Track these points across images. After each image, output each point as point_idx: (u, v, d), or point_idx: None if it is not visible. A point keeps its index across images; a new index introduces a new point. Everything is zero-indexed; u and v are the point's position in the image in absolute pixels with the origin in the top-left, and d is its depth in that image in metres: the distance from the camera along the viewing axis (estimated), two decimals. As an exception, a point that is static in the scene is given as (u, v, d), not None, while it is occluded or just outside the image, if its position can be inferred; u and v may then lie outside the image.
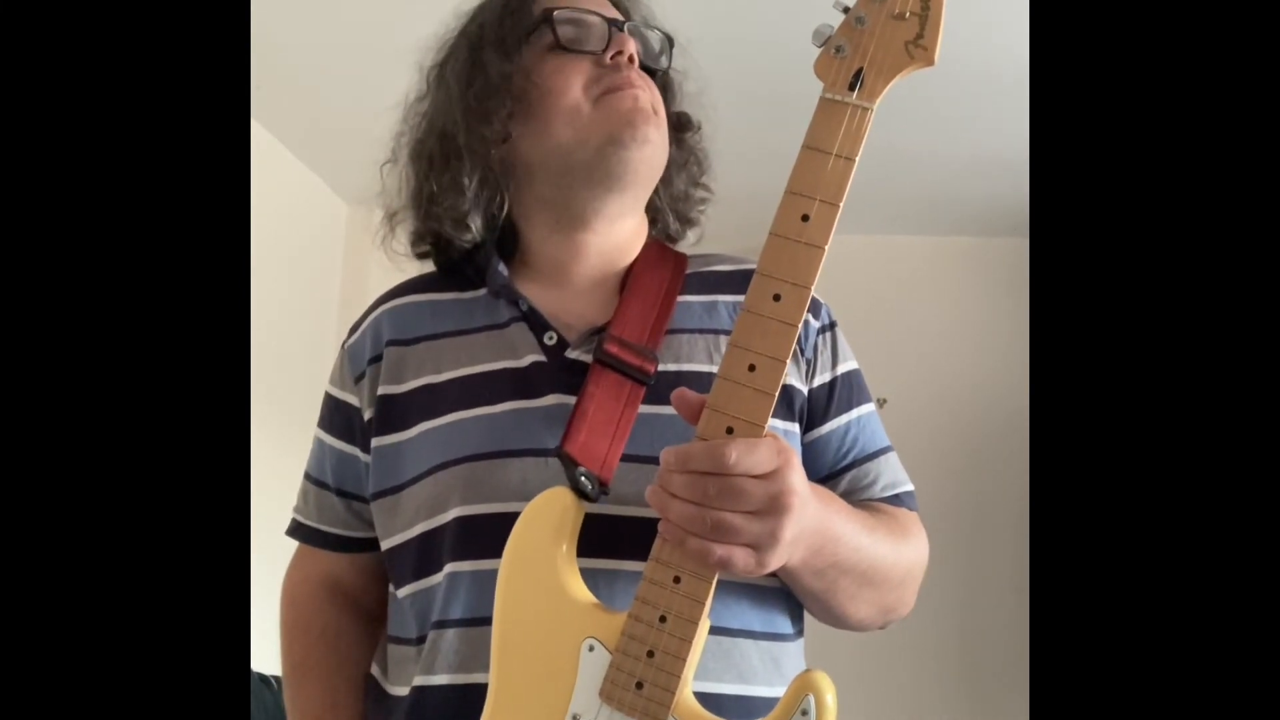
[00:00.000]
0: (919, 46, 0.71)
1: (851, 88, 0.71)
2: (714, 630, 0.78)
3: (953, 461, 3.48)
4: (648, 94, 0.90)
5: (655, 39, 0.94)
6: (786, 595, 0.88)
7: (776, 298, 0.71)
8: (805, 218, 0.71)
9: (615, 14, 0.93)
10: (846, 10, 0.73)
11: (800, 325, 0.71)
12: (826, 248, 0.70)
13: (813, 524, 0.74)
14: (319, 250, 3.45)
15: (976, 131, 2.80)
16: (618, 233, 0.95)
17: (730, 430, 0.70)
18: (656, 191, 0.97)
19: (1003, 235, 3.44)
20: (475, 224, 0.95)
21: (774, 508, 0.69)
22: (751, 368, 0.71)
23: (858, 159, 0.71)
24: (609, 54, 0.89)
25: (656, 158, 0.92)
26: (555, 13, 0.91)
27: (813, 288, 0.71)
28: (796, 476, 0.70)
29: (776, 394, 0.71)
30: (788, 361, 0.71)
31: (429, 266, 1.03)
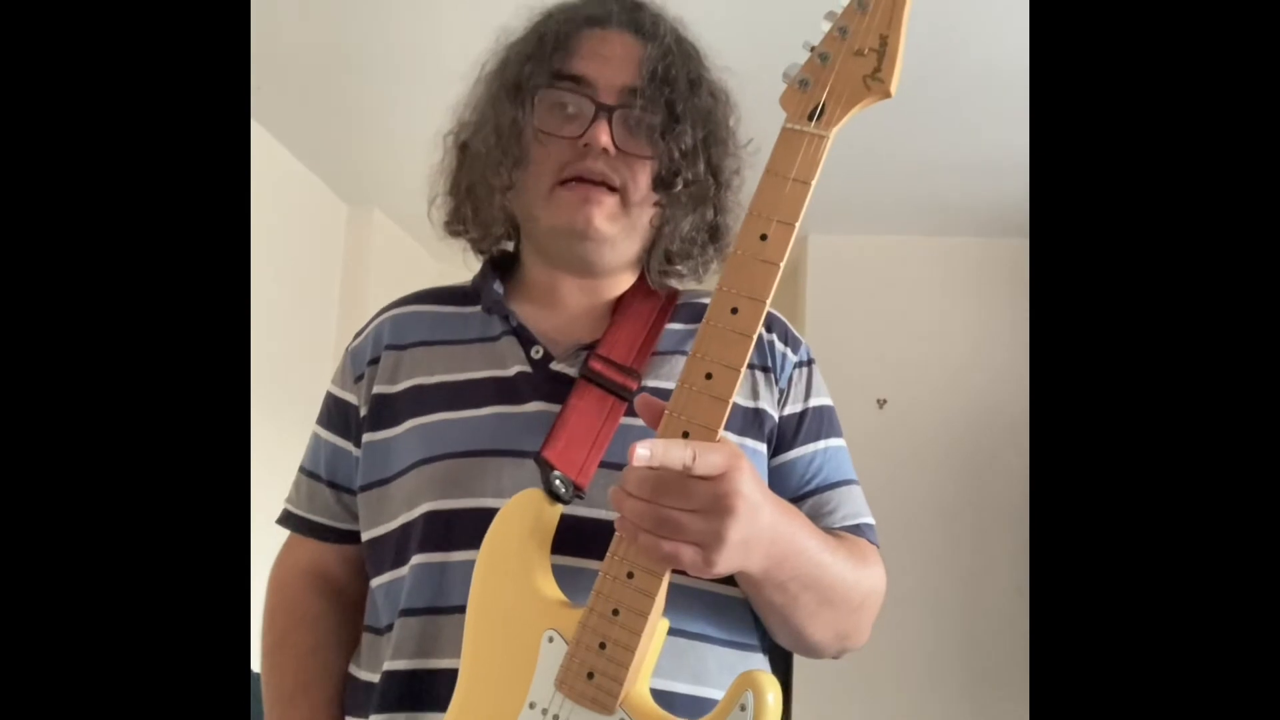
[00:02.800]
0: (876, 80, 0.76)
1: (811, 118, 0.76)
2: (674, 632, 0.81)
3: (953, 461, 3.49)
4: (602, 191, 0.93)
5: (657, 110, 0.93)
6: (751, 607, 0.91)
7: (734, 310, 0.75)
8: (763, 237, 0.75)
9: (618, 85, 0.94)
10: (812, 48, 0.78)
11: (755, 336, 0.74)
12: (782, 264, 0.74)
13: (767, 531, 0.76)
14: (319, 250, 3.45)
15: (977, 132, 2.80)
16: (602, 279, 1.01)
17: (686, 434, 0.73)
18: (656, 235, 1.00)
19: (1003, 235, 3.45)
20: (497, 231, 1.02)
21: (718, 508, 0.71)
22: (708, 375, 0.74)
23: (814, 183, 0.75)
24: (582, 140, 0.92)
25: (606, 250, 0.96)
26: (541, 93, 0.94)
27: (769, 301, 0.75)
28: (745, 481, 0.72)
29: (731, 400, 0.74)
30: (743, 370, 0.74)
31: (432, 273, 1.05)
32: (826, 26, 0.78)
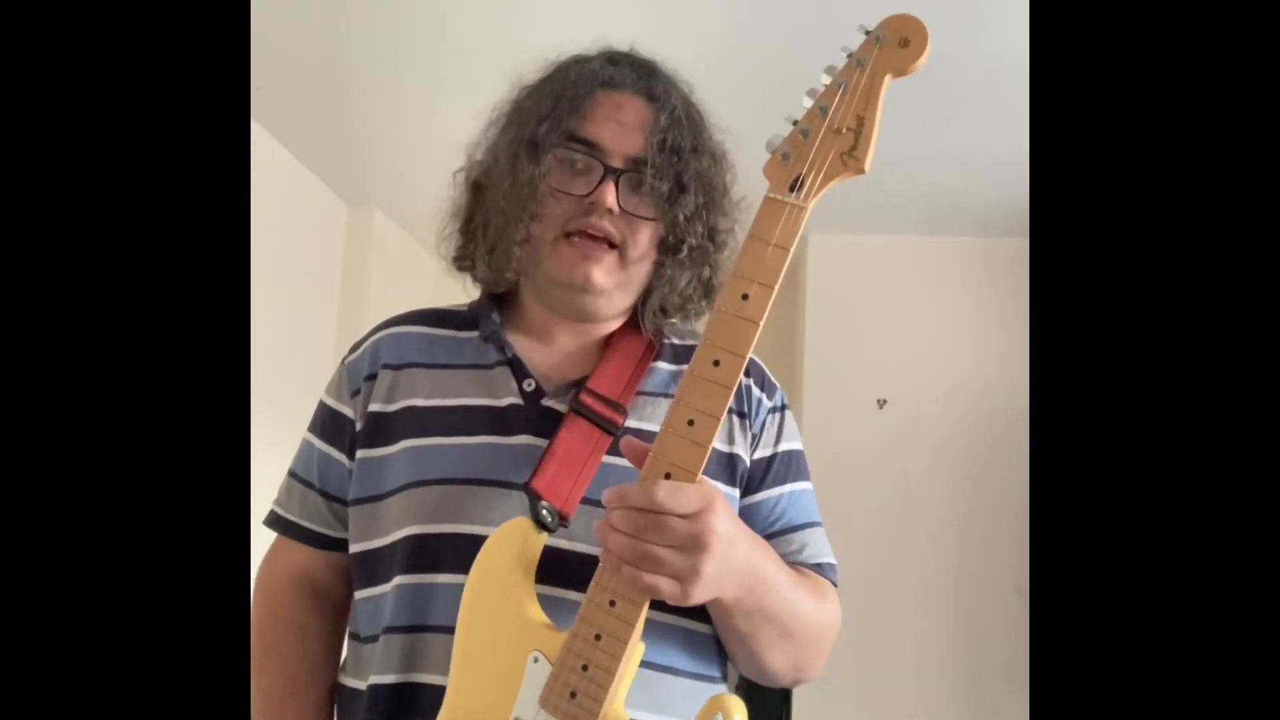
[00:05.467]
0: (852, 157, 0.81)
1: (792, 189, 0.82)
2: (643, 664, 0.86)
3: (953, 461, 3.49)
4: (603, 248, 0.98)
5: (663, 179, 0.98)
6: (718, 641, 0.96)
7: (716, 363, 0.80)
8: (745, 296, 0.81)
9: (626, 151, 0.98)
10: (795, 123, 0.84)
11: (735, 387, 0.80)
12: (761, 323, 0.80)
13: (741, 565, 0.82)
14: (319, 250, 3.45)
15: (977, 131, 2.80)
16: (595, 324, 1.05)
17: (668, 475, 0.79)
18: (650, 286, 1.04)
19: (1003, 235, 3.44)
20: (510, 278, 1.05)
21: (694, 544, 0.77)
22: (690, 422, 0.80)
23: (792, 248, 0.81)
24: (588, 199, 0.97)
25: (603, 301, 1.01)
26: (555, 151, 0.99)
27: (748, 356, 0.80)
28: (719, 520, 0.78)
29: (710, 446, 0.79)
30: (721, 418, 0.80)
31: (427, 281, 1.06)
32: (808, 103, 0.84)
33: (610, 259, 0.99)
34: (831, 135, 0.82)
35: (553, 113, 0.99)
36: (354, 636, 1.00)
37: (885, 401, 3.54)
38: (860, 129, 0.82)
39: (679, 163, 0.99)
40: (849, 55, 0.84)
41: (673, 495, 0.77)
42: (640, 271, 1.01)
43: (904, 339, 3.57)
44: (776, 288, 0.81)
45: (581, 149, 0.98)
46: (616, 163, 0.98)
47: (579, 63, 1.04)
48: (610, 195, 0.97)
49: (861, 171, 0.82)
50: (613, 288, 1.00)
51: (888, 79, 0.82)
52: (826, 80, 0.84)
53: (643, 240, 1.00)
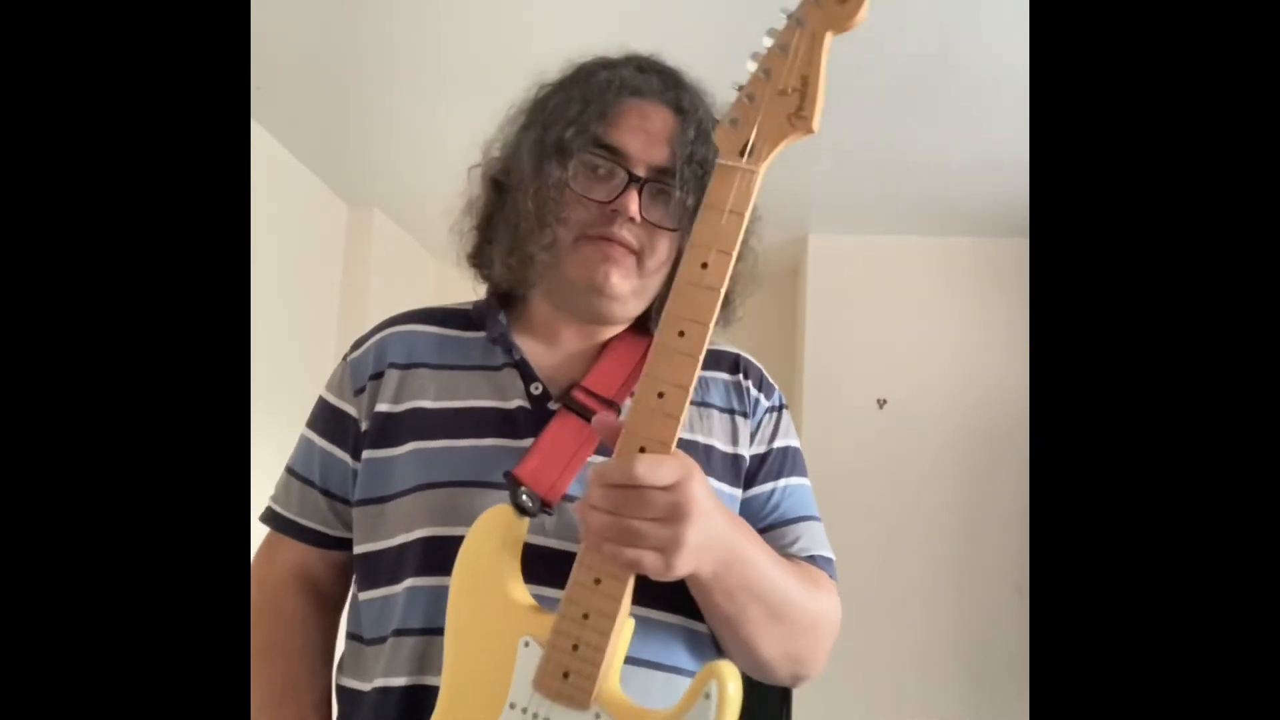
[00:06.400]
0: (799, 117, 0.81)
1: (742, 154, 0.82)
2: (646, 664, 0.88)
3: (953, 461, 3.49)
4: (623, 251, 0.99)
5: (687, 190, 0.98)
6: (717, 642, 0.96)
7: (681, 334, 0.81)
8: (704, 265, 0.81)
9: (651, 160, 0.99)
10: (740, 89, 0.84)
11: (702, 356, 0.80)
12: (723, 290, 0.81)
13: (720, 534, 0.82)
14: (319, 251, 3.45)
15: (977, 131, 2.80)
16: (603, 328, 1.06)
17: (643, 449, 0.79)
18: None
19: (1003, 235, 3.44)
20: (532, 281, 1.05)
21: (675, 514, 0.77)
22: (660, 395, 0.80)
23: (748, 213, 0.81)
24: (611, 206, 0.97)
25: (618, 306, 1.01)
26: (580, 156, 0.99)
27: (712, 324, 0.80)
28: (698, 488, 0.78)
29: (682, 417, 0.79)
30: (691, 388, 0.80)
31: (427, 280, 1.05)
32: (752, 67, 0.83)
33: (630, 262, 0.99)
34: (777, 97, 0.82)
35: (580, 117, 0.99)
36: (355, 637, 0.99)
37: (885, 401, 3.54)
38: (805, 89, 0.81)
39: (704, 176, 0.98)
40: (788, 16, 0.83)
41: (652, 468, 0.76)
42: (656, 282, 1.02)
43: (904, 339, 3.57)
44: (735, 254, 0.81)
45: (606, 155, 0.98)
46: (641, 171, 0.98)
47: (606, 68, 1.04)
48: (633, 203, 0.97)
49: (810, 131, 0.81)
50: (629, 294, 1.00)
51: (829, 36, 0.81)
52: (768, 43, 0.83)
53: (662, 251, 1.00)
